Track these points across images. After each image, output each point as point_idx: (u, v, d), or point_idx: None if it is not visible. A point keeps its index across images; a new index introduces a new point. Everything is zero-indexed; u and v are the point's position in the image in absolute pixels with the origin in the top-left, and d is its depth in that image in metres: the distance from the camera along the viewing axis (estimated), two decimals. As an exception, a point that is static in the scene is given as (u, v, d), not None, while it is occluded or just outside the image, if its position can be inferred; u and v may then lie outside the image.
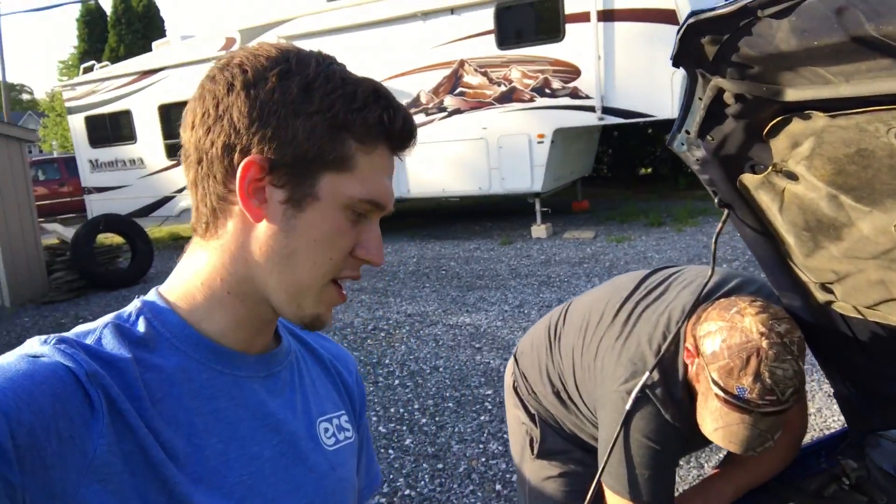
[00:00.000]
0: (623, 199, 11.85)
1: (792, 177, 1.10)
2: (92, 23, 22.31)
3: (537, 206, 9.21)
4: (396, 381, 4.60)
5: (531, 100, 8.82)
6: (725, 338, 1.21)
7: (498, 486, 3.18)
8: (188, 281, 0.70)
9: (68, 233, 9.71)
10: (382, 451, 3.65)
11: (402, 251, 9.16)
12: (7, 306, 8.20)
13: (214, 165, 0.66)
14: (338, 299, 0.71)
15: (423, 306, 6.37)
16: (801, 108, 0.97)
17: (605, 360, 1.44)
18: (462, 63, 9.11)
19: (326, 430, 0.78)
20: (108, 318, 0.67)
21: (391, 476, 3.38)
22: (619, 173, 13.90)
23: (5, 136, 8.50)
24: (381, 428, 3.93)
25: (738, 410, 1.19)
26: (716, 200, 1.30)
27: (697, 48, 0.96)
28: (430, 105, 9.47)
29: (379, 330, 5.79)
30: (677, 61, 1.00)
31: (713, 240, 1.33)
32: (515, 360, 1.86)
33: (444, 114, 9.41)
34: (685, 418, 1.31)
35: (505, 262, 7.86)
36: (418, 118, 9.56)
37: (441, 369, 4.74)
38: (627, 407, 1.32)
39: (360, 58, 9.71)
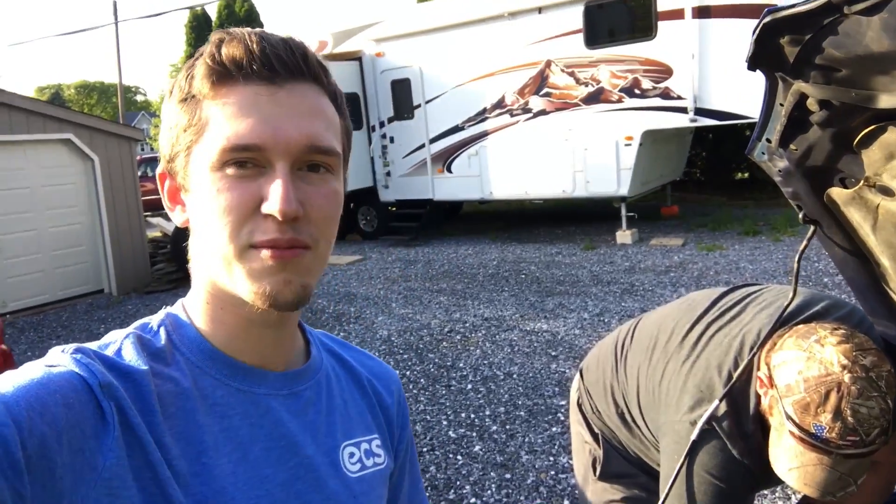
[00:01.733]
0: (716, 205, 11.31)
1: (887, 192, 0.98)
2: (198, 28, 23.63)
3: (623, 211, 8.93)
4: (469, 386, 4.57)
5: (619, 101, 8.56)
6: (802, 369, 1.09)
7: (566, 503, 3.08)
8: (193, 296, 0.69)
9: (170, 226, 10.32)
10: (451, 456, 3.62)
11: (482, 253, 9.13)
12: (114, 295, 8.81)
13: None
14: (264, 264, 0.61)
15: (501, 310, 6.31)
16: (898, 117, 0.86)
17: (670, 385, 1.34)
18: (549, 63, 8.97)
19: (352, 454, 0.74)
20: (133, 327, 0.67)
21: (458, 483, 3.35)
22: (714, 178, 13.26)
23: (117, 135, 9.13)
24: (450, 433, 3.91)
25: (815, 450, 1.07)
26: (800, 216, 1.18)
27: (776, 49, 0.87)
28: (515, 106, 9.39)
29: (455, 332, 5.78)
30: (754, 64, 0.91)
31: (796, 258, 1.21)
32: (581, 375, 1.78)
33: (530, 115, 9.30)
34: (755, 454, 1.20)
35: (587, 268, 7.67)
36: (502, 119, 9.51)
37: (515, 376, 4.66)
38: (693, 438, 1.22)
39: (447, 59, 9.77)
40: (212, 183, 0.61)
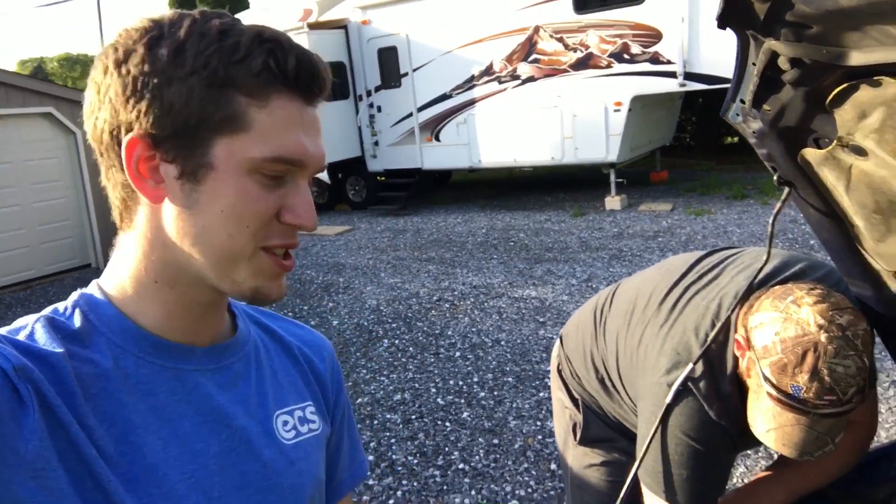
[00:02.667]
0: (705, 169, 11.30)
1: (860, 152, 0.97)
2: (181, -4, 23.08)
3: (612, 177, 8.91)
4: (458, 354, 4.60)
5: (608, 66, 8.47)
6: (779, 330, 1.09)
7: (553, 466, 3.13)
8: (119, 274, 0.67)
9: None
10: (439, 423, 3.66)
11: (471, 221, 9.11)
12: (102, 268, 8.74)
13: (110, 154, 0.63)
14: (275, 268, 0.65)
15: (490, 278, 6.32)
16: (870, 74, 0.84)
17: (647, 349, 1.34)
18: (537, 29, 8.84)
19: (286, 422, 0.74)
20: (44, 312, 0.64)
21: (447, 449, 3.39)
22: (703, 142, 13.22)
23: (98, 107, 8.97)
24: (439, 400, 3.94)
25: (792, 411, 1.07)
26: (775, 177, 1.17)
27: (746, 7, 0.85)
28: (504, 73, 9.27)
29: (444, 301, 5.79)
30: (723, 22, 0.89)
31: (771, 220, 1.20)
32: (561, 341, 1.78)
33: (518, 82, 9.19)
34: (733, 416, 1.20)
35: (576, 235, 7.68)
36: (491, 87, 9.40)
37: (503, 343, 4.69)
38: (668, 400, 1.23)
39: (434, 26, 9.61)
40: (242, 185, 0.61)
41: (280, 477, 0.71)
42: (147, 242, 0.65)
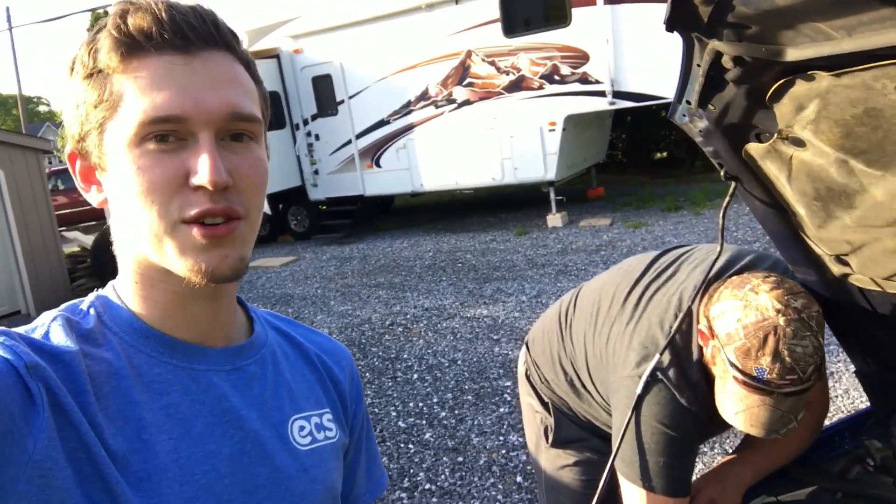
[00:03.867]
0: (639, 184, 11.71)
1: (799, 143, 1.05)
2: (104, 33, 22.57)
3: (552, 195, 9.12)
4: (415, 376, 4.58)
5: (540, 87, 8.73)
6: (740, 317, 1.16)
7: (519, 478, 3.15)
8: (122, 277, 0.68)
9: (88, 240, 9.84)
10: (402, 445, 3.63)
11: (417, 245, 9.14)
12: (32, 315, 8.32)
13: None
14: (198, 238, 0.60)
15: (441, 300, 6.34)
16: (804, 69, 0.92)
17: (616, 346, 1.39)
18: (469, 53, 9.04)
19: (302, 428, 0.73)
20: (61, 309, 0.65)
21: (412, 470, 3.36)
22: (635, 158, 13.72)
23: (22, 147, 8.61)
24: (400, 423, 3.91)
25: (758, 392, 1.14)
26: (722, 173, 1.24)
27: (691, 10, 0.91)
28: (440, 97, 9.42)
29: (396, 325, 5.77)
30: (671, 25, 0.95)
31: (720, 214, 1.28)
32: (527, 347, 1.82)
33: (454, 105, 9.35)
34: (702, 402, 1.26)
35: (521, 253, 7.81)
36: (428, 111, 9.53)
37: (459, 362, 4.71)
38: (638, 391, 1.28)
39: (367, 53, 9.70)
40: (132, 160, 0.59)
41: (291, 483, 0.69)
42: (118, 245, 0.67)
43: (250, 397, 0.69)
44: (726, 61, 0.98)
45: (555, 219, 9.08)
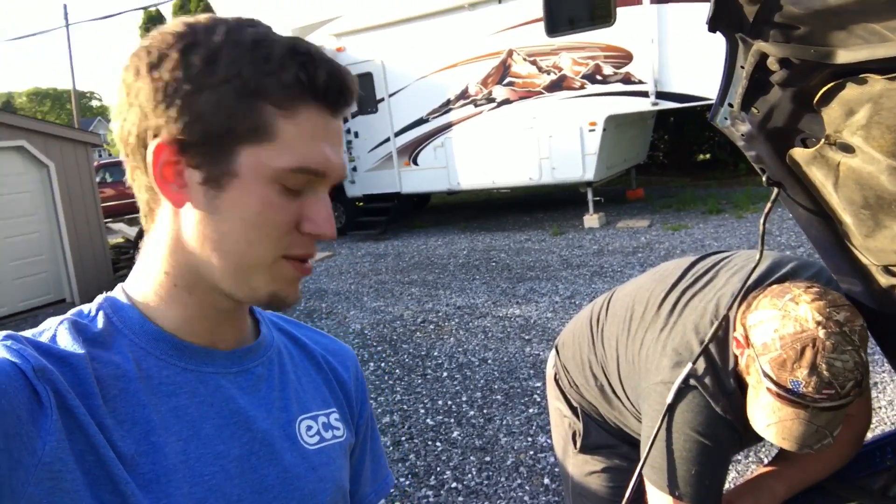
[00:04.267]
0: (680, 186, 11.51)
1: (847, 149, 1.00)
2: (153, 29, 23.10)
3: (590, 196, 9.02)
4: (445, 374, 4.58)
5: (582, 87, 8.63)
6: (778, 327, 1.12)
7: (546, 480, 3.12)
8: (142, 277, 0.68)
9: (132, 232, 10.11)
10: (430, 443, 3.63)
11: (452, 243, 9.14)
12: (77, 304, 8.58)
13: (136, 155, 0.63)
14: (295, 274, 0.65)
15: (473, 298, 6.33)
16: (856, 72, 0.88)
17: (649, 352, 1.36)
18: (510, 52, 9.00)
19: (310, 427, 0.74)
20: (68, 314, 0.65)
21: (438, 468, 3.36)
22: (676, 160, 13.47)
23: (72, 140, 8.89)
24: (428, 420, 3.92)
25: (792, 405, 1.10)
26: (764, 179, 1.20)
27: (736, 9, 0.88)
28: (479, 96, 9.40)
29: (428, 322, 5.78)
30: (714, 25, 0.92)
31: (761, 220, 1.24)
32: (557, 351, 1.80)
33: (493, 104, 9.32)
34: (737, 411, 1.23)
35: (556, 253, 7.74)
36: (467, 110, 9.51)
37: (490, 361, 4.69)
38: (670, 397, 1.24)
39: (409, 52, 9.73)
40: (265, 195, 0.61)
41: (300, 482, 0.70)
42: (167, 246, 0.65)
43: (258, 398, 0.70)
44: (772, 63, 0.94)
45: (592, 219, 8.98)
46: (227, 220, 0.62)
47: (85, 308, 0.66)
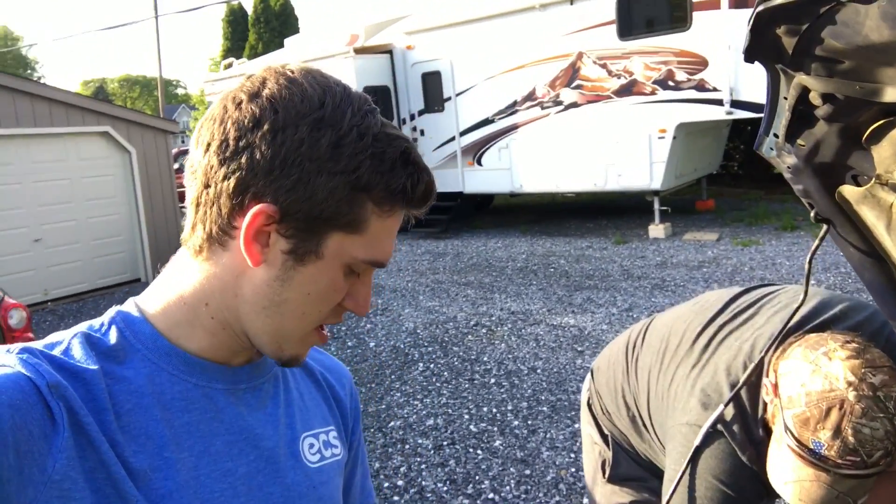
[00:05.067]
0: (754, 199, 11.04)
1: (900, 191, 0.92)
2: (235, 22, 23.94)
3: (656, 205, 8.77)
4: (492, 380, 4.55)
5: (653, 93, 8.39)
6: (806, 382, 1.04)
7: (585, 501, 3.04)
8: (169, 295, 0.68)
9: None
10: (471, 450, 3.61)
11: (511, 246, 9.07)
12: (150, 282, 9.01)
13: (223, 198, 0.63)
14: (318, 341, 0.71)
15: (528, 304, 6.26)
16: (907, 111, 0.81)
17: (678, 389, 1.30)
18: (580, 55, 8.84)
19: (311, 445, 0.75)
20: (80, 327, 0.66)
21: (477, 477, 3.34)
22: (752, 171, 12.90)
23: (153, 128, 9.32)
24: (471, 427, 3.90)
25: (812, 466, 1.02)
26: (812, 215, 1.12)
27: (774, 40, 0.82)
28: (546, 99, 9.28)
29: (480, 326, 5.76)
30: (751, 56, 0.86)
31: (807, 258, 1.16)
32: (592, 375, 1.74)
33: (561, 107, 9.18)
34: (764, 461, 1.15)
35: (617, 263, 7.56)
36: (533, 112, 9.42)
37: (539, 371, 4.63)
38: (696, 442, 1.18)
39: (477, 52, 9.71)
40: (334, 277, 0.65)
41: (301, 500, 0.71)
42: (219, 283, 0.65)
43: (265, 415, 0.71)
44: (815, 97, 0.87)
45: (657, 229, 8.72)
46: (293, 291, 0.64)
47: (95, 322, 0.67)
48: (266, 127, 0.60)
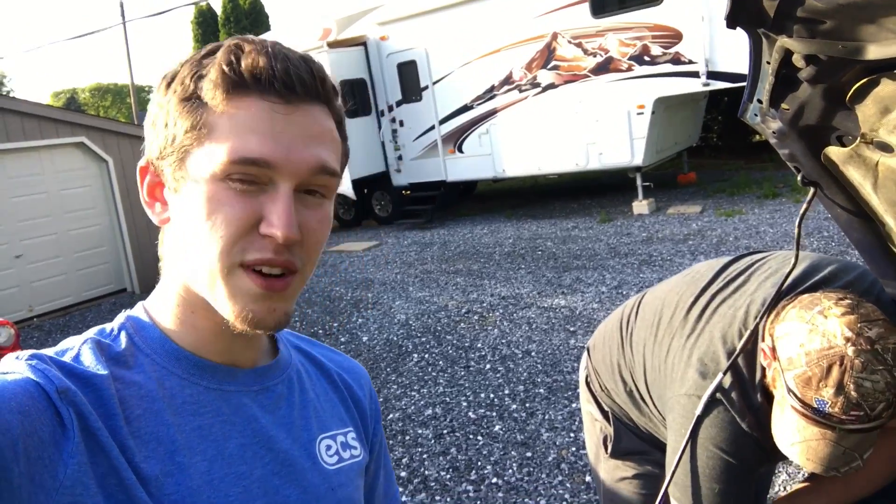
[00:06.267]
0: (734, 169, 11.11)
1: (885, 148, 0.93)
2: (204, 23, 23.58)
3: (639, 181, 8.81)
4: (488, 366, 4.56)
5: (629, 69, 8.40)
6: (804, 342, 1.05)
7: (588, 478, 3.07)
8: (162, 296, 0.68)
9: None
10: (471, 437, 3.63)
11: (497, 232, 9.08)
12: (137, 293, 8.94)
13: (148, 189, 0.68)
14: (255, 288, 0.60)
15: (518, 288, 6.28)
16: (889, 67, 0.81)
17: (675, 361, 1.31)
18: (555, 35, 8.82)
19: (329, 447, 0.73)
20: (91, 332, 0.65)
21: (479, 463, 3.35)
22: (731, 142, 13.00)
23: (129, 135, 9.19)
24: (470, 414, 3.91)
25: (818, 425, 1.03)
26: (799, 178, 1.13)
27: (755, 4, 0.82)
28: (524, 81, 9.26)
29: (472, 313, 5.76)
30: (733, 21, 0.86)
31: (797, 223, 1.16)
32: (588, 353, 1.75)
33: (538, 89, 9.17)
34: (764, 427, 1.16)
35: (604, 241, 7.59)
36: (511, 95, 9.39)
37: (533, 353, 4.64)
38: (697, 412, 1.19)
39: (452, 38, 9.66)
40: (211, 193, 0.59)
41: (320, 503, 0.70)
42: (170, 266, 0.67)
43: (279, 417, 0.70)
44: (797, 59, 0.87)
45: (641, 206, 8.77)
46: (183, 223, 0.62)
47: (107, 327, 0.67)
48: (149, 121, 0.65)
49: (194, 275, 0.63)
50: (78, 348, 0.62)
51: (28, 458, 0.51)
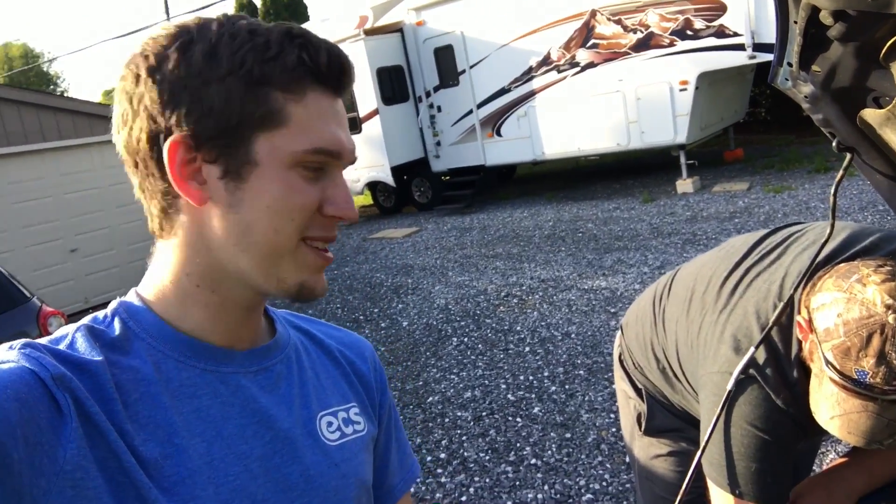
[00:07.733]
0: (784, 144, 10.74)
1: (924, 108, 0.88)
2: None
3: (682, 159, 8.60)
4: (527, 349, 4.55)
5: (671, 44, 8.18)
6: (842, 311, 1.00)
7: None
8: (159, 281, 0.67)
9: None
10: (510, 419, 3.63)
11: (537, 215, 9.00)
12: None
13: (148, 162, 0.63)
14: (318, 261, 0.66)
15: (558, 271, 6.22)
16: (924, 20, 0.76)
17: (707, 337, 1.27)
18: (594, 13, 8.64)
19: (330, 423, 0.73)
20: (85, 320, 0.65)
21: (518, 444, 3.35)
22: (780, 116, 12.54)
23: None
24: (509, 395, 3.91)
25: (858, 397, 0.98)
26: (834, 144, 1.08)
27: (777, -41, 0.78)
28: (562, 61, 9.12)
29: (511, 296, 5.74)
30: (754, -21, 0.82)
31: (832, 191, 1.11)
32: (622, 331, 1.73)
33: (577, 69, 9.02)
34: (801, 403, 1.12)
35: (646, 221, 7.45)
36: (550, 76, 9.26)
37: (573, 335, 4.61)
38: (729, 387, 1.16)
39: (488, 21, 9.56)
40: (287, 179, 0.62)
41: (323, 479, 0.70)
42: (189, 248, 0.65)
43: (278, 396, 0.70)
44: (825, 17, 0.83)
45: (685, 184, 8.56)
46: (251, 211, 0.62)
47: (100, 314, 0.67)
48: (144, 74, 0.61)
49: (249, 254, 0.63)
50: (72, 336, 0.62)
51: (27, 445, 0.52)
